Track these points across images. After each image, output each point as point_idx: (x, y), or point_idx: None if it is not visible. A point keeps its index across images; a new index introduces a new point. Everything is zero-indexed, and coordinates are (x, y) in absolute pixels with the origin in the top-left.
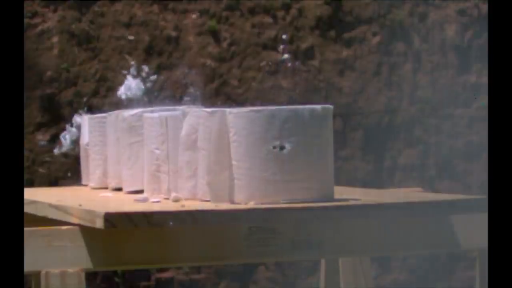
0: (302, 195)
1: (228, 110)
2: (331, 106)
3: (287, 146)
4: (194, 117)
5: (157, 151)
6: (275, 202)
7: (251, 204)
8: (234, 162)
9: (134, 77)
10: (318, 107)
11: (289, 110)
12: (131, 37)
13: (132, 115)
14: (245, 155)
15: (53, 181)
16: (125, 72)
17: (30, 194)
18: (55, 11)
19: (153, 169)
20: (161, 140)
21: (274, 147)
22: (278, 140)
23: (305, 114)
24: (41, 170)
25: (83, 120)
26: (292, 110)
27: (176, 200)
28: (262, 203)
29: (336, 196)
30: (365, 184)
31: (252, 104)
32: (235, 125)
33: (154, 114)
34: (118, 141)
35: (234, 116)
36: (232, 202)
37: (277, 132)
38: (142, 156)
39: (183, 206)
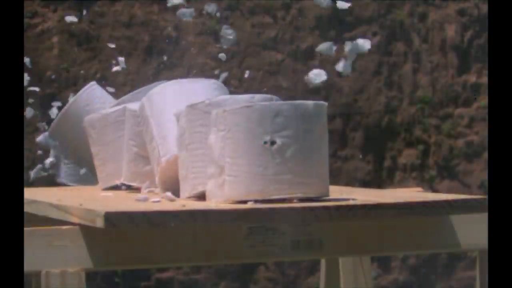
0: (295, 190)
1: (222, 107)
2: (325, 103)
3: (278, 141)
4: (184, 117)
5: (132, 142)
6: (268, 197)
7: (251, 204)
8: (227, 159)
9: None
10: (310, 102)
11: (280, 105)
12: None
13: (115, 112)
14: (237, 151)
15: (53, 181)
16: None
17: (30, 194)
18: (55, 11)
19: (132, 162)
20: (137, 132)
21: (265, 142)
22: (269, 135)
23: (296, 109)
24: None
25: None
26: (282, 105)
27: (171, 200)
28: (255, 199)
29: (336, 196)
30: (365, 184)
31: None
32: (228, 122)
33: (132, 106)
34: (103, 138)
35: (228, 113)
36: (226, 198)
37: (268, 127)
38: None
39: (183, 206)
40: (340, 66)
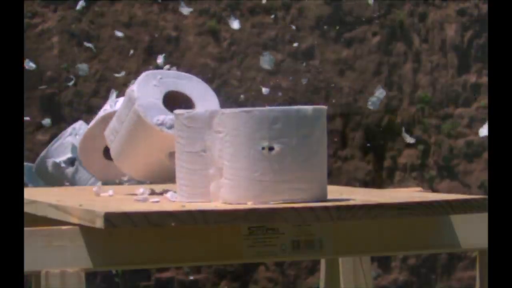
0: (292, 196)
1: (221, 110)
2: (324, 107)
3: (276, 147)
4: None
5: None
6: (265, 203)
7: (251, 204)
8: (225, 162)
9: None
10: (309, 108)
11: (279, 111)
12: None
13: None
14: (235, 155)
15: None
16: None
17: (30, 194)
18: (55, 11)
19: None
20: None
21: (263, 148)
22: (267, 141)
23: (294, 115)
24: None
25: (79, 124)
26: (281, 111)
27: (171, 200)
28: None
29: (336, 196)
30: (365, 184)
31: (253, 105)
32: (227, 125)
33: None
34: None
35: (226, 117)
36: (223, 201)
37: (266, 133)
38: None
39: (183, 206)
40: (483, 131)
